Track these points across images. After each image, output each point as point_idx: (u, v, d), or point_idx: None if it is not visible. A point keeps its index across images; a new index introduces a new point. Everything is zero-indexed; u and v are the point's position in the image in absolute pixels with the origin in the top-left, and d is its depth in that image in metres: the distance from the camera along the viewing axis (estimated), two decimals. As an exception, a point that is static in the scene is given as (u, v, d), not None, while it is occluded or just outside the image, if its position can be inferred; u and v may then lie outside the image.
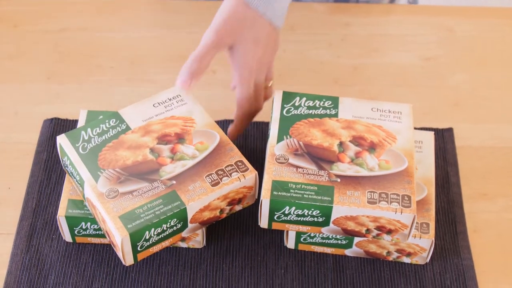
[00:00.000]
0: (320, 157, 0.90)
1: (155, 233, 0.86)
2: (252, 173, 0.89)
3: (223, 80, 1.13)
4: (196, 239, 0.93)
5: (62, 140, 0.91)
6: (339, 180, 0.88)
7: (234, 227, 0.97)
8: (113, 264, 0.93)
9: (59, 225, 0.92)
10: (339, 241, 0.92)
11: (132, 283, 0.92)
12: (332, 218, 0.88)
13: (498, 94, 1.12)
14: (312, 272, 0.93)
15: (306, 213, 0.88)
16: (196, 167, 0.89)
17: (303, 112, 0.95)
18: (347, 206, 0.86)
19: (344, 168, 0.89)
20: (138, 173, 0.88)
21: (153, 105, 0.94)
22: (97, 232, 0.92)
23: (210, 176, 0.88)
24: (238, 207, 0.92)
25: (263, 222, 0.90)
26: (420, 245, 0.91)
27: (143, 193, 0.87)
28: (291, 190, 0.87)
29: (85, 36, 1.19)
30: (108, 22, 1.21)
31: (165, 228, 0.86)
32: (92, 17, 1.21)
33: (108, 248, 0.95)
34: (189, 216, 0.87)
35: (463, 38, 1.19)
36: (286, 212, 0.88)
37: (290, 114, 0.95)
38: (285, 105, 0.96)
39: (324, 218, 0.88)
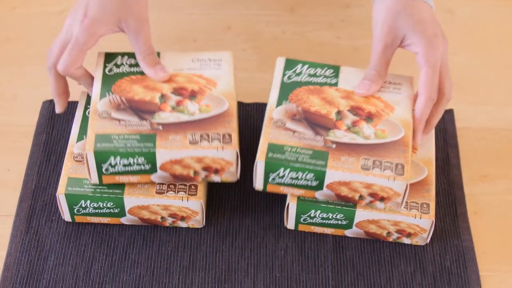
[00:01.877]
0: (317, 123, 0.90)
1: (121, 163, 0.88)
2: (232, 148, 0.88)
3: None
4: (196, 218, 0.93)
5: (279, 62, 0.97)
6: (334, 146, 0.88)
7: (234, 208, 0.97)
8: (113, 245, 0.93)
9: (58, 204, 0.92)
10: (339, 222, 0.92)
11: (131, 264, 0.92)
12: (326, 182, 0.88)
13: (499, 75, 1.12)
14: (312, 253, 0.93)
15: (300, 176, 0.88)
16: (187, 124, 0.89)
17: (304, 80, 0.95)
18: (340, 171, 0.87)
19: (340, 135, 0.89)
20: (136, 109, 0.90)
21: (192, 60, 0.96)
22: (97, 211, 0.92)
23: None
24: (215, 178, 0.91)
25: (258, 184, 0.91)
26: (420, 225, 0.91)
27: (128, 125, 0.89)
28: (286, 153, 0.88)
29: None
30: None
31: (132, 163, 0.88)
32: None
33: (108, 229, 0.95)
34: (158, 162, 0.89)
35: (463, 19, 1.19)
36: (281, 174, 0.88)
37: (291, 80, 0.95)
38: (286, 72, 0.96)
39: (317, 182, 0.88)
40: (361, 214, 0.91)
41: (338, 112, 0.91)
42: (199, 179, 0.91)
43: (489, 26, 1.18)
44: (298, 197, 0.91)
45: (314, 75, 0.95)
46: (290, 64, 0.97)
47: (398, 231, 0.92)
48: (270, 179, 0.89)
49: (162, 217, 0.93)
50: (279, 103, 0.92)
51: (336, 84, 0.94)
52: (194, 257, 0.93)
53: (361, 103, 0.92)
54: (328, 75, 0.95)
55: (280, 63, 0.97)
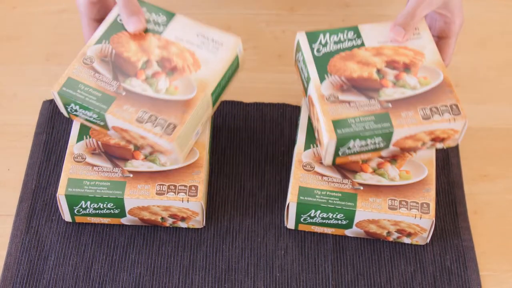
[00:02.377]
0: (364, 87, 0.93)
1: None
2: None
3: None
4: (196, 219, 0.93)
5: (301, 37, 0.97)
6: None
7: (234, 208, 0.97)
8: (113, 245, 0.93)
9: (58, 205, 0.92)
10: (339, 221, 0.92)
11: (132, 264, 0.92)
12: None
13: (498, 75, 1.12)
14: (312, 253, 0.93)
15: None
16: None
17: (333, 49, 0.97)
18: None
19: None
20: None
21: (197, 34, 0.95)
22: (97, 212, 0.92)
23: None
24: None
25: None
26: (421, 225, 0.91)
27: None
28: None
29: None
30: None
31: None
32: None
33: (108, 229, 0.95)
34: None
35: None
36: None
37: (321, 53, 0.96)
38: (313, 45, 0.97)
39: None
40: (361, 214, 0.91)
41: (378, 71, 0.94)
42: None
43: (489, 25, 1.18)
44: (298, 197, 0.91)
45: (340, 41, 0.97)
46: (312, 37, 0.98)
47: (398, 231, 0.92)
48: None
49: (162, 218, 0.93)
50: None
51: (362, 44, 0.97)
52: (194, 257, 0.93)
53: (393, 56, 0.96)
54: (351, 37, 0.97)
55: (302, 38, 0.98)
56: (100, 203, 0.91)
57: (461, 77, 1.12)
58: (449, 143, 0.94)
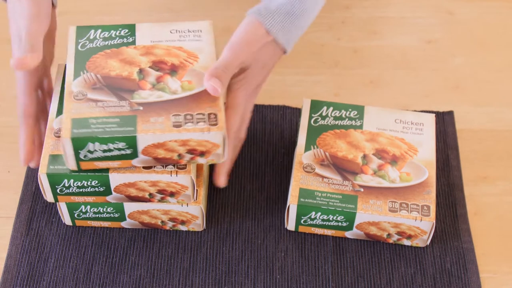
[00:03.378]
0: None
1: (100, 149, 0.84)
2: (219, 131, 0.84)
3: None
4: (196, 222, 0.93)
5: (71, 31, 0.93)
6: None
7: (234, 210, 0.97)
8: (113, 247, 0.93)
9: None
10: (340, 223, 0.92)
11: (132, 266, 0.92)
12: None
13: (499, 76, 1.12)
14: (312, 255, 0.93)
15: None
16: (169, 103, 0.85)
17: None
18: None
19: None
20: (114, 87, 0.86)
21: (170, 31, 0.92)
22: (97, 216, 0.92)
23: (176, 117, 0.84)
24: (201, 160, 0.87)
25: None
26: (421, 227, 0.91)
27: (106, 106, 0.85)
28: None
29: (85, 19, 1.18)
30: (108, 6, 1.20)
31: (112, 148, 0.84)
32: (92, 0, 1.21)
33: (108, 231, 0.95)
34: (140, 147, 0.84)
35: (463, 20, 1.19)
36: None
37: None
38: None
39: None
40: (361, 216, 0.91)
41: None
42: (183, 162, 0.87)
43: (489, 27, 1.18)
44: (299, 199, 0.91)
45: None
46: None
47: (399, 233, 0.92)
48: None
49: (162, 221, 0.93)
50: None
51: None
52: (194, 259, 0.93)
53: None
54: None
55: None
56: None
57: (461, 79, 1.12)
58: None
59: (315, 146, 0.96)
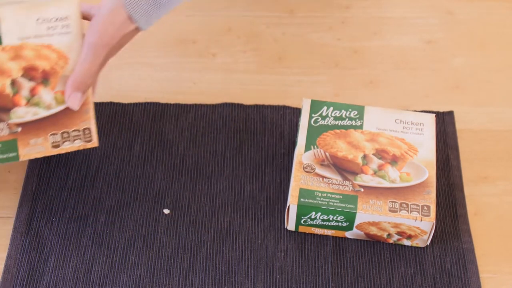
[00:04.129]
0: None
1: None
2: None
3: (223, 63, 1.12)
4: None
5: (305, 103, 1.00)
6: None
7: (234, 210, 0.97)
8: (113, 247, 0.93)
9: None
10: (340, 223, 0.92)
11: (132, 266, 0.92)
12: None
13: (499, 76, 1.12)
14: (312, 255, 0.93)
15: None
16: (46, 120, 0.86)
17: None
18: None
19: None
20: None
21: (37, 20, 0.85)
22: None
23: (54, 136, 0.87)
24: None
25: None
26: (421, 227, 0.91)
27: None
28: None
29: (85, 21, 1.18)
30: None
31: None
32: (92, 1, 1.21)
33: (108, 231, 0.95)
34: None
35: (463, 20, 1.19)
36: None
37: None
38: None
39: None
40: (361, 216, 0.91)
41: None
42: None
43: (489, 27, 1.18)
44: (299, 199, 0.91)
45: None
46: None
47: (399, 233, 0.92)
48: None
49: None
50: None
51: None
52: (194, 259, 0.93)
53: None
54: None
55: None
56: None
57: (461, 79, 1.12)
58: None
59: (315, 146, 0.96)
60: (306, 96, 1.08)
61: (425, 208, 0.91)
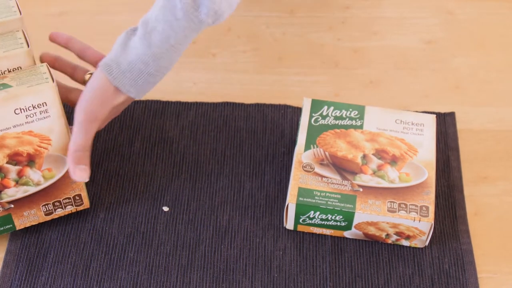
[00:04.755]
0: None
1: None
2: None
3: (223, 63, 1.13)
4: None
5: (306, 102, 1.00)
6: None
7: (233, 208, 0.97)
8: (112, 243, 0.93)
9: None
10: (338, 223, 0.92)
11: (130, 263, 0.92)
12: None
13: (499, 77, 1.12)
14: (310, 254, 0.93)
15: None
16: (37, 194, 0.90)
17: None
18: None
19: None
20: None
21: (15, 111, 0.85)
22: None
23: (46, 206, 0.91)
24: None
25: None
26: (420, 228, 0.91)
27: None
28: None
29: (85, 19, 1.18)
30: (107, 5, 1.20)
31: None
32: (91, 0, 1.21)
33: (107, 228, 0.95)
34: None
35: (463, 21, 1.19)
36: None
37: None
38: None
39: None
40: (360, 216, 0.91)
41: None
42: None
43: (489, 27, 1.18)
44: (297, 198, 0.91)
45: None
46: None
47: (397, 233, 0.92)
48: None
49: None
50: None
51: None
52: (193, 257, 0.93)
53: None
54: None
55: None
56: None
57: (461, 79, 1.12)
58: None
59: (315, 146, 0.96)
60: (306, 96, 1.09)
61: (424, 208, 0.91)
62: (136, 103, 1.06)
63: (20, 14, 0.89)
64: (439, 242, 0.94)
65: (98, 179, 0.99)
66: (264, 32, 1.17)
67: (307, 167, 0.94)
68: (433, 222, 0.90)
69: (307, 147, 0.96)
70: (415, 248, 0.94)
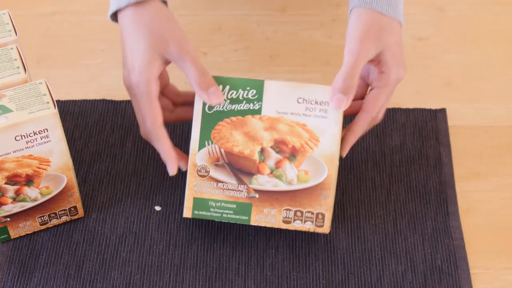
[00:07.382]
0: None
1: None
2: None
3: (214, 62, 1.13)
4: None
5: None
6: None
7: (225, 206, 0.97)
8: (104, 243, 0.93)
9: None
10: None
11: (123, 263, 0.92)
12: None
13: (490, 73, 1.12)
14: (303, 252, 0.93)
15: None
16: (33, 208, 0.91)
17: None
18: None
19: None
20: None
21: (15, 138, 0.84)
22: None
23: (41, 217, 0.93)
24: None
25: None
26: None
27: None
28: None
29: (76, 19, 1.18)
30: (98, 5, 1.20)
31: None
32: (83, 0, 1.21)
33: (100, 228, 0.95)
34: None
35: (454, 17, 1.19)
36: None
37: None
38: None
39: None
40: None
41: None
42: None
43: (480, 23, 1.18)
44: (193, 212, 0.91)
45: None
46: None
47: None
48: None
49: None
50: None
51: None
52: (185, 256, 0.93)
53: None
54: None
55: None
56: None
57: (452, 75, 1.12)
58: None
59: (210, 142, 0.88)
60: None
61: (320, 216, 0.89)
62: (128, 103, 1.06)
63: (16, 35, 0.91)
64: (432, 238, 0.95)
65: (90, 179, 0.99)
66: (255, 30, 1.17)
67: (202, 170, 0.89)
68: (328, 232, 0.90)
69: (201, 145, 0.88)
70: (408, 245, 0.94)
